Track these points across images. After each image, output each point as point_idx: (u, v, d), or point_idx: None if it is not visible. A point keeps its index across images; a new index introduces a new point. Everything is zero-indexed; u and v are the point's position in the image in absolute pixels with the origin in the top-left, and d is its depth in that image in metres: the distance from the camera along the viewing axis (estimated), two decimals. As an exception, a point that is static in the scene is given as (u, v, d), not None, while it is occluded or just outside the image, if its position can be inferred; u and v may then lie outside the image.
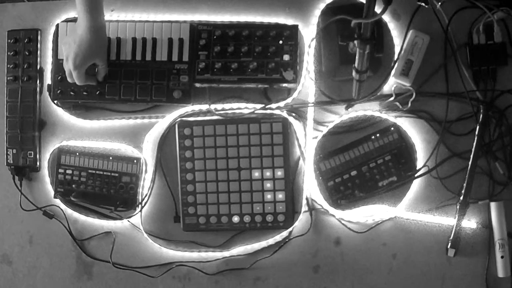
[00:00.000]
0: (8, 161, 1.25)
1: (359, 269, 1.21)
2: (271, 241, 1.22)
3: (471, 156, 1.16)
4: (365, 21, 0.87)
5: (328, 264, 1.22)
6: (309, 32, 1.21)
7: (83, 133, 1.26)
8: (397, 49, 1.19)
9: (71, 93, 1.21)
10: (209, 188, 1.21)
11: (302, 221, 1.21)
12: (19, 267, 1.28)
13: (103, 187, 1.24)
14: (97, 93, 1.21)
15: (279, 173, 1.21)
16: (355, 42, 0.94)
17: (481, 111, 1.16)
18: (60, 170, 1.25)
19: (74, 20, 1.18)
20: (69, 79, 1.17)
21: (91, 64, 1.14)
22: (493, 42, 1.17)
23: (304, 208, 1.21)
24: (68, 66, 1.13)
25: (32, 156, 1.25)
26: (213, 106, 1.22)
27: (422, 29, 1.18)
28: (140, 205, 1.23)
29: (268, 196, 1.21)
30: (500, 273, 1.16)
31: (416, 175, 1.18)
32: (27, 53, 1.25)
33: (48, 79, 1.25)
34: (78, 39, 1.10)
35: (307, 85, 1.21)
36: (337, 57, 1.19)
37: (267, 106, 1.21)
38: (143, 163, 1.24)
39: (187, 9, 1.25)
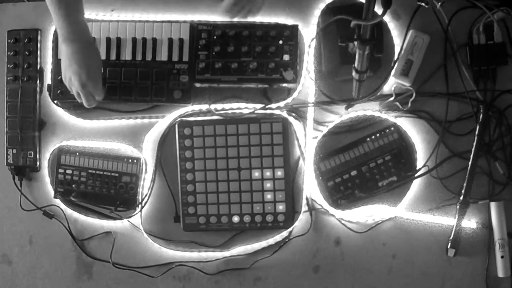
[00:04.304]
0: (8, 161, 1.25)
1: (359, 269, 1.21)
2: (271, 241, 1.22)
3: (471, 156, 1.16)
4: (364, 23, 0.87)
5: (328, 264, 1.22)
6: (309, 32, 1.21)
7: (83, 133, 1.26)
8: (397, 49, 1.19)
9: (71, 93, 1.21)
10: (209, 188, 1.21)
11: (302, 221, 1.21)
12: (19, 267, 1.28)
13: (103, 187, 1.24)
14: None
15: (279, 173, 1.21)
16: (355, 43, 0.94)
17: (481, 111, 1.16)
18: (60, 170, 1.25)
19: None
20: (86, 103, 1.15)
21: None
22: (493, 42, 1.17)
23: (304, 208, 1.21)
24: (88, 88, 1.12)
25: (32, 156, 1.25)
26: (213, 106, 1.22)
27: (422, 29, 1.18)
28: (140, 205, 1.23)
29: (268, 196, 1.21)
30: (500, 273, 1.16)
31: (416, 175, 1.18)
32: (27, 53, 1.25)
33: (48, 79, 1.25)
34: (83, 63, 1.09)
35: (307, 85, 1.21)
36: (337, 57, 1.19)
37: (267, 106, 1.21)
38: (143, 163, 1.24)
39: (187, 9, 1.25)
